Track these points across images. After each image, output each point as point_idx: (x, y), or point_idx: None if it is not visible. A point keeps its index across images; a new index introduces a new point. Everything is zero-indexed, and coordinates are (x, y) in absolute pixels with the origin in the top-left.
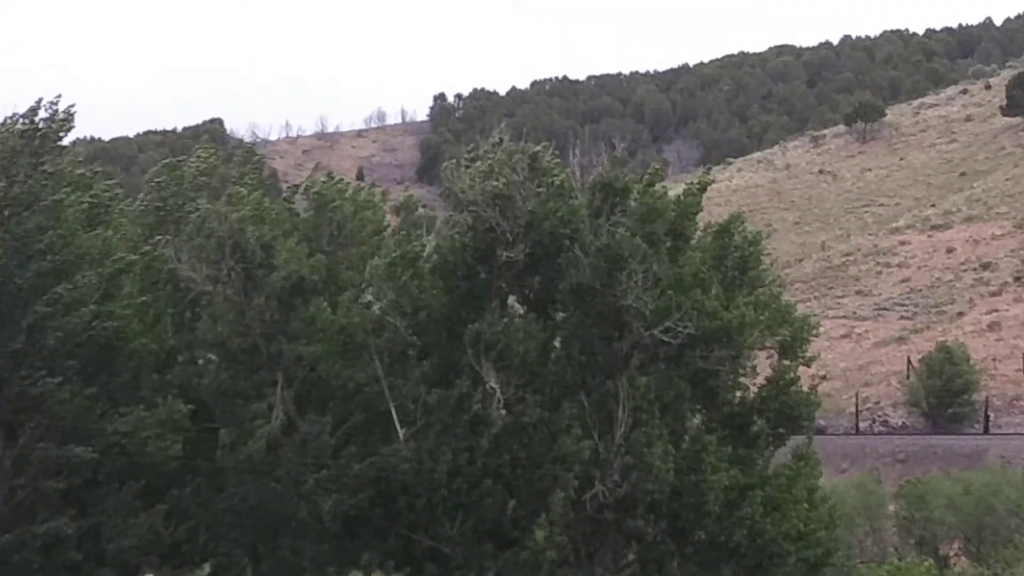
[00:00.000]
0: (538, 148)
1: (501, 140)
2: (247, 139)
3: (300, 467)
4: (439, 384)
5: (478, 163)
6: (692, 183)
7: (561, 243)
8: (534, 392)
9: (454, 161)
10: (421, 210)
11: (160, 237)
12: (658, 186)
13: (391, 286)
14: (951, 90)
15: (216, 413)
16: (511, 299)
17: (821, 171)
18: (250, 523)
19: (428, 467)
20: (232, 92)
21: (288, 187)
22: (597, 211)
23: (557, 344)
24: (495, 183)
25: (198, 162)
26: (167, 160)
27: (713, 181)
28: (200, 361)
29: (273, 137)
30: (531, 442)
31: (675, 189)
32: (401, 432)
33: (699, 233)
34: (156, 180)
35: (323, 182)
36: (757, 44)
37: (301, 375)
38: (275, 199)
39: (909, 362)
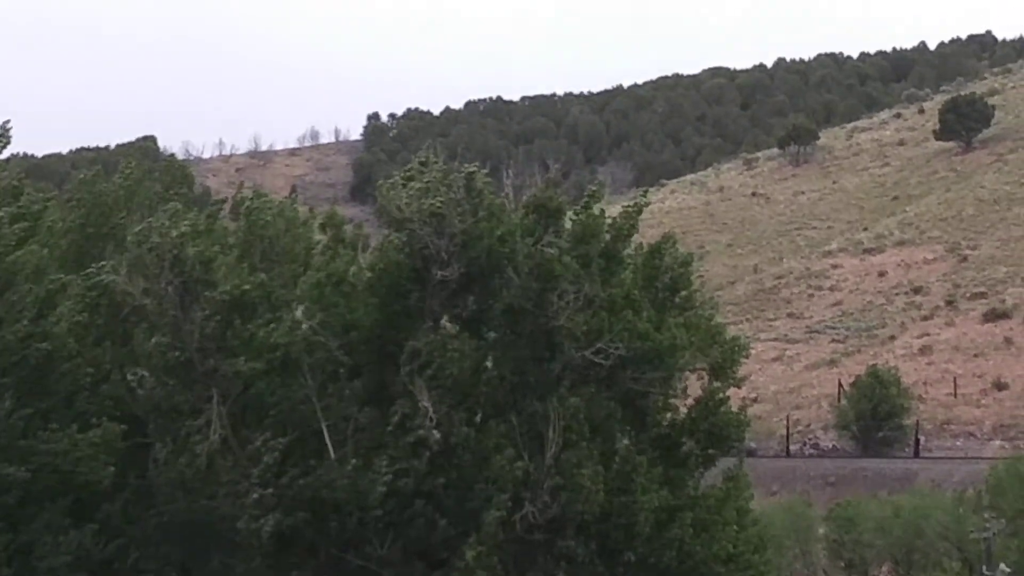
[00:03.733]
0: (474, 168)
1: (428, 160)
2: (180, 156)
3: (241, 484)
4: (370, 403)
5: (414, 182)
6: (629, 205)
7: (496, 263)
8: (466, 412)
9: (390, 180)
10: (348, 227)
11: (101, 260)
12: (596, 207)
13: (320, 305)
14: (884, 114)
15: (150, 429)
16: (444, 318)
17: (754, 194)
18: (181, 540)
19: (365, 487)
20: (166, 110)
21: (213, 202)
22: (530, 232)
23: (489, 364)
24: (431, 202)
25: (121, 178)
26: (82, 176)
27: (649, 203)
28: (134, 376)
29: (207, 155)
30: (463, 462)
31: (609, 210)
32: (333, 451)
33: (631, 254)
34: (76, 197)
35: (251, 199)
36: (691, 66)
37: (236, 392)
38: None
39: (840, 385)
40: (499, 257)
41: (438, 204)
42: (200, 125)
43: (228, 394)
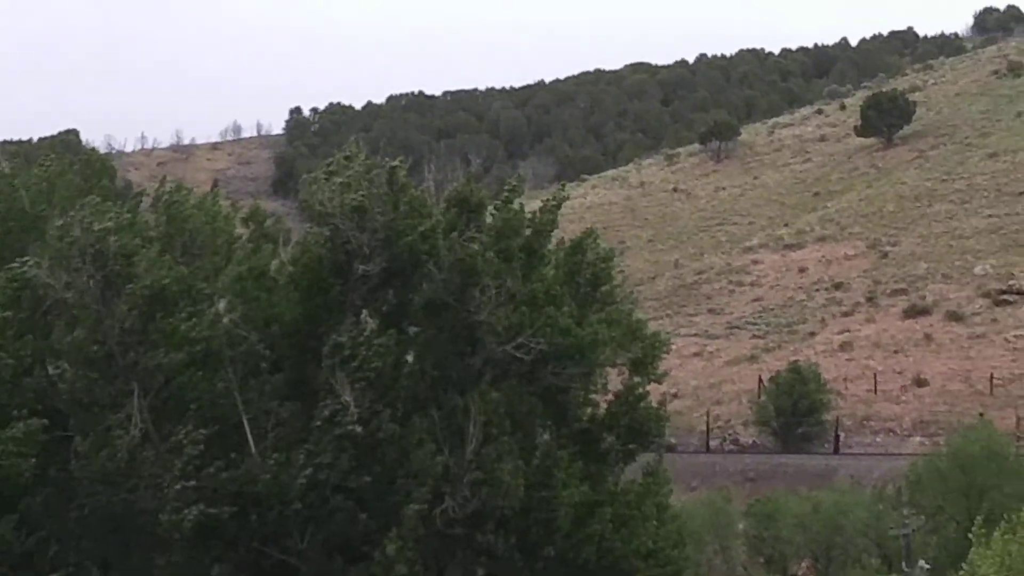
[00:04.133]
0: (396, 163)
1: (351, 155)
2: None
3: (164, 477)
4: (291, 397)
5: (336, 176)
6: (548, 199)
7: (418, 258)
8: (387, 406)
9: (313, 174)
10: (269, 221)
11: (22, 253)
12: (515, 202)
13: (241, 299)
14: (806, 110)
15: (71, 422)
16: (364, 313)
17: (675, 189)
18: (101, 534)
19: (286, 481)
20: (88, 104)
21: (133, 195)
22: (452, 226)
23: (409, 359)
24: (353, 196)
25: (41, 171)
26: (1, 170)
27: (568, 197)
28: (55, 370)
29: (129, 149)
30: (384, 457)
31: (530, 205)
32: (253, 445)
33: (552, 249)
34: None
35: (170, 192)
36: (613, 62)
37: (158, 385)
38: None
39: (760, 381)
40: (421, 252)
41: (360, 199)
42: (122, 119)
43: (149, 387)
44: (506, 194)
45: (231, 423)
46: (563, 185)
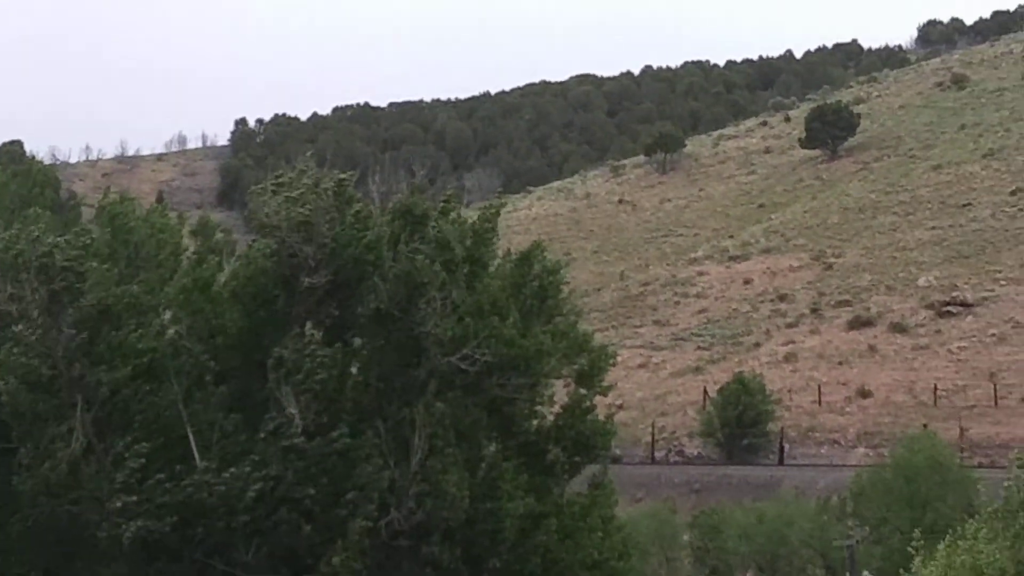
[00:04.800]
0: (344, 176)
1: (304, 170)
2: (47, 161)
3: (104, 490)
4: (236, 409)
5: (284, 189)
6: (486, 207)
7: (363, 270)
8: (332, 419)
9: (261, 186)
10: (220, 235)
11: None
12: (454, 213)
13: (186, 310)
14: (751, 122)
15: (13, 434)
16: (308, 325)
17: (621, 201)
18: (45, 545)
19: (233, 493)
20: (32, 115)
21: (71, 206)
22: (396, 238)
23: (354, 371)
24: (300, 210)
25: None
26: None
27: (505, 204)
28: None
29: (73, 160)
30: (331, 469)
31: (474, 216)
32: (198, 457)
33: (498, 261)
34: None
35: (114, 203)
36: (558, 73)
37: (102, 398)
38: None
39: (705, 392)
40: (366, 264)
41: (306, 213)
42: (67, 130)
43: (94, 400)
44: (442, 204)
45: (176, 435)
46: (500, 193)
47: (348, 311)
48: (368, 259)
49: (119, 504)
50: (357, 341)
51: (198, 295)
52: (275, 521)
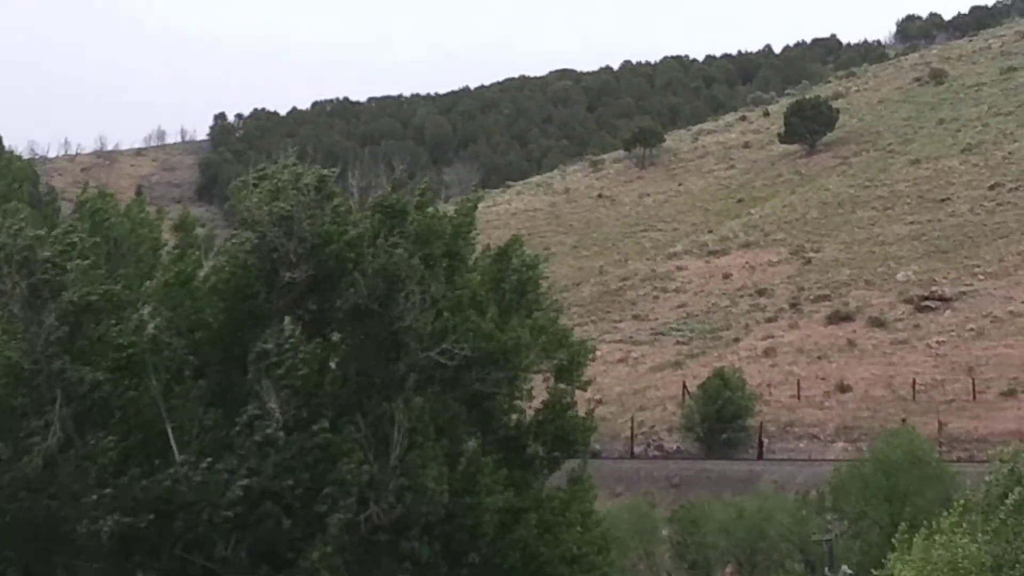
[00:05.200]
0: (326, 171)
1: (286, 164)
2: (25, 156)
3: (80, 485)
4: (215, 404)
5: (265, 183)
6: (464, 201)
7: (344, 266)
8: (312, 413)
9: (242, 180)
10: (200, 229)
11: None
12: (430, 208)
13: (166, 305)
14: (730, 117)
15: None
16: (287, 319)
17: (600, 196)
18: (24, 541)
19: (212, 487)
20: (11, 109)
21: (49, 197)
22: (376, 232)
23: (332, 365)
24: (281, 205)
25: None
26: None
27: (482, 198)
28: None
29: (52, 154)
30: (311, 464)
31: (453, 210)
32: (177, 452)
33: (477, 256)
34: None
35: (94, 199)
36: (538, 68)
37: (82, 393)
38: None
39: (685, 387)
40: (347, 260)
41: (288, 208)
42: (46, 124)
43: (73, 395)
44: (418, 199)
45: (156, 431)
46: (477, 187)
47: (327, 306)
48: (349, 256)
49: (94, 498)
50: (336, 336)
51: (179, 290)
52: (255, 516)
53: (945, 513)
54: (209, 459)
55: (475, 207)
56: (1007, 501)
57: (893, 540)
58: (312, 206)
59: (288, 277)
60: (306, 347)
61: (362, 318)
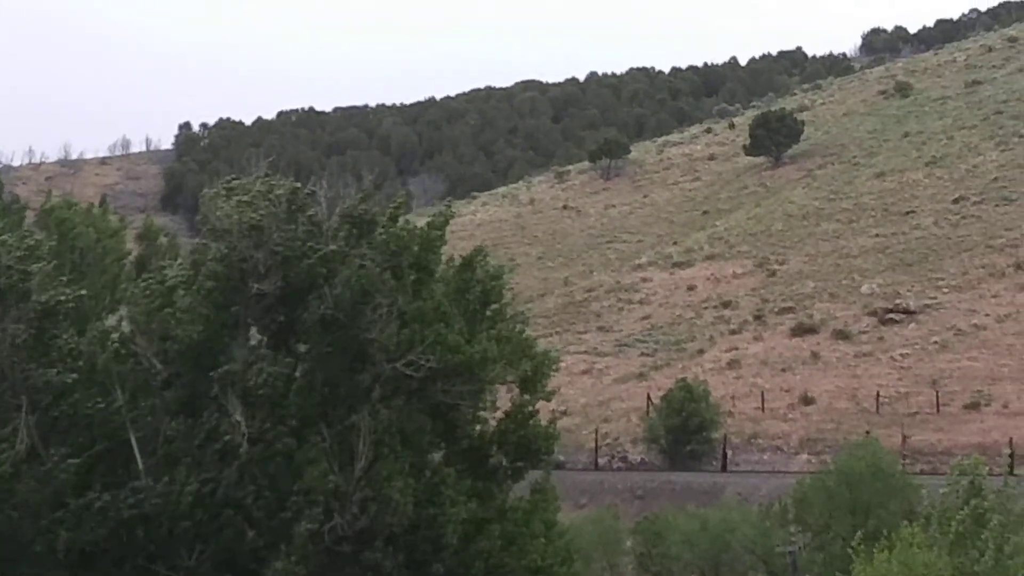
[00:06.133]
0: (297, 184)
1: (259, 176)
2: None
3: (38, 500)
4: (181, 414)
5: (235, 193)
6: (436, 215)
7: (315, 280)
8: (277, 424)
9: (214, 190)
10: (163, 238)
11: None
12: (402, 219)
13: (136, 313)
14: (695, 128)
15: None
16: (253, 330)
17: (565, 207)
18: None
19: (175, 499)
20: None
21: (13, 205)
22: (345, 244)
23: (297, 375)
24: (251, 215)
25: None
26: None
27: (455, 214)
28: None
29: (16, 163)
30: (274, 473)
31: (420, 222)
32: (141, 462)
33: (442, 267)
34: None
35: (59, 208)
36: (503, 79)
37: (47, 402)
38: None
39: (649, 399)
40: (318, 275)
41: (258, 218)
42: (9, 133)
43: (39, 403)
44: (391, 210)
45: (120, 440)
46: (450, 202)
47: (295, 316)
48: (320, 271)
49: (50, 517)
50: (302, 347)
51: (150, 299)
52: (216, 525)
53: (906, 524)
54: (170, 469)
55: (447, 222)
56: (962, 512)
57: (848, 549)
58: (283, 218)
59: (256, 288)
60: (272, 366)
61: (329, 329)
